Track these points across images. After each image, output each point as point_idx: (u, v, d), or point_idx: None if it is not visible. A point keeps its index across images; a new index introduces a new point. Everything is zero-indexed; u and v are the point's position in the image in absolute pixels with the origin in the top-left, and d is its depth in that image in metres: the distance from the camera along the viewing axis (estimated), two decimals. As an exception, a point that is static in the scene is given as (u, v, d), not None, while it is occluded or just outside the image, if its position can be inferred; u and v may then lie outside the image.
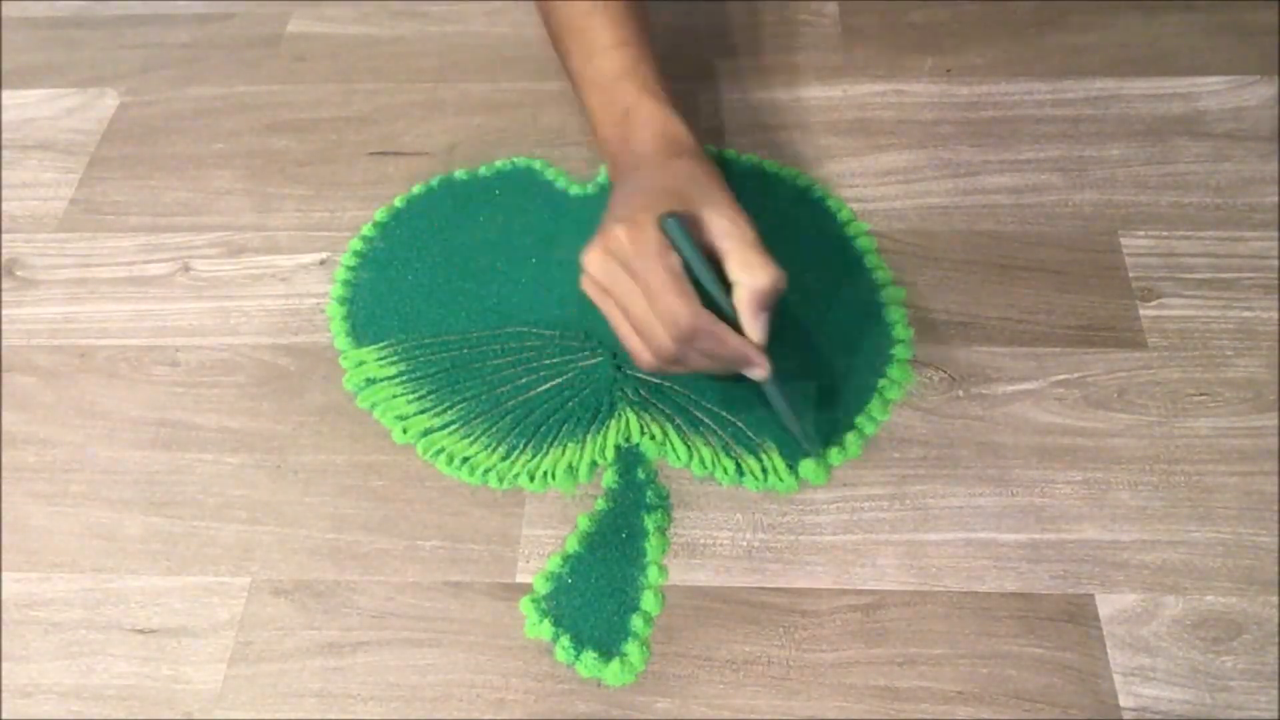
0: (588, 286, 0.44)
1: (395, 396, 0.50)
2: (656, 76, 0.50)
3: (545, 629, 0.42)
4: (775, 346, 0.43)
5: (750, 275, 0.41)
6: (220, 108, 0.65)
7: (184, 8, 0.72)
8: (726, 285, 0.42)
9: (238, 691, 0.42)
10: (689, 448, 0.47)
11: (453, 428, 0.49)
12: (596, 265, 0.42)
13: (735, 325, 0.42)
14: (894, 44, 0.65)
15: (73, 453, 0.49)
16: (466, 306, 0.53)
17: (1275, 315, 0.50)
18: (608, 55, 0.50)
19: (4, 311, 0.55)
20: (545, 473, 0.47)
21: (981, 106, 0.61)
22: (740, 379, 0.44)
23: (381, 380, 0.50)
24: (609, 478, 0.47)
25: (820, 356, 0.50)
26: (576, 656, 0.42)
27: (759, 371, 0.43)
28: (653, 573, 0.44)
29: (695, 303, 0.40)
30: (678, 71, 0.64)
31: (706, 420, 0.48)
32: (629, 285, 0.41)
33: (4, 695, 0.42)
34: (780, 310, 0.51)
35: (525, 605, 0.43)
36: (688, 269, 0.41)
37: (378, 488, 0.47)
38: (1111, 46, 0.64)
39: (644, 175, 0.46)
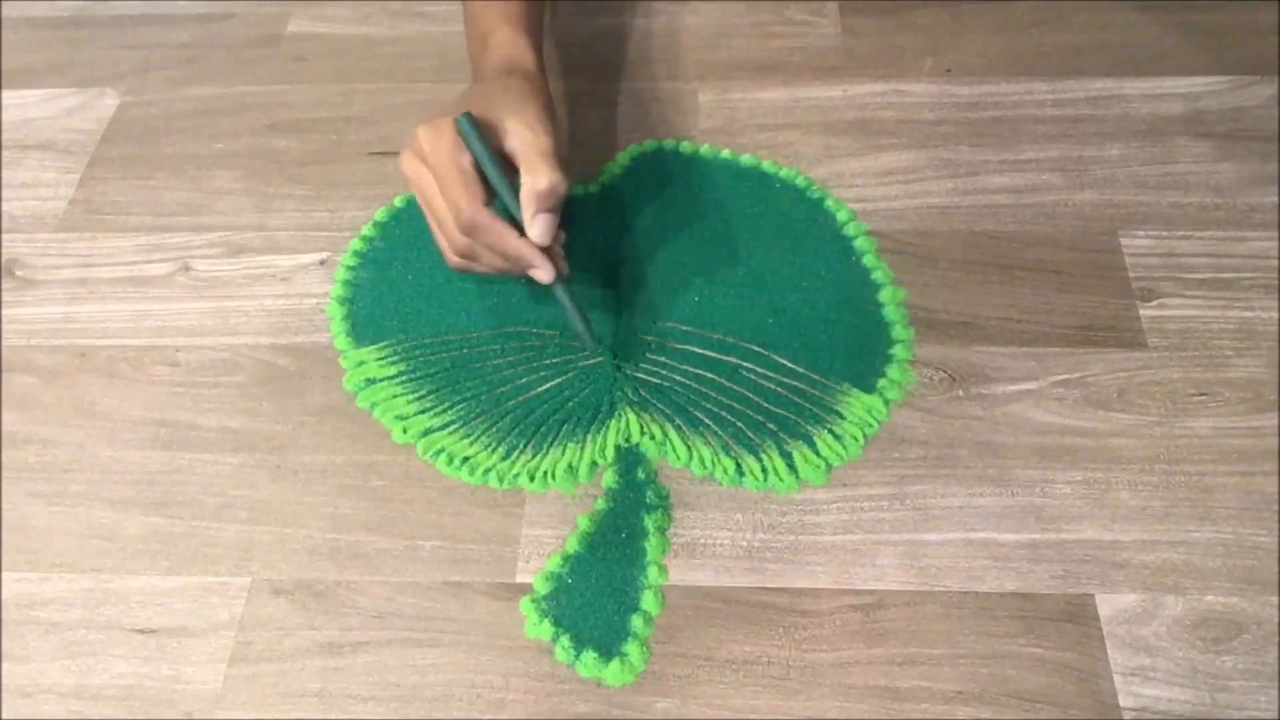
0: (408, 186, 0.48)
1: (395, 396, 0.50)
2: (525, 12, 0.54)
3: (545, 629, 0.42)
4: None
5: (532, 176, 0.44)
6: (220, 108, 0.65)
7: (184, 8, 0.72)
8: (515, 189, 0.45)
9: (238, 691, 0.42)
10: (689, 448, 0.47)
11: (453, 428, 0.49)
12: (406, 164, 0.46)
13: (520, 228, 0.45)
14: (894, 44, 0.65)
15: (73, 453, 0.49)
16: (466, 306, 0.53)
17: (1275, 315, 0.50)
18: None
19: (4, 311, 0.55)
20: (545, 473, 0.47)
21: (981, 106, 0.61)
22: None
23: (381, 380, 0.50)
24: (609, 478, 0.47)
25: (819, 356, 0.50)
26: (576, 656, 0.42)
27: (540, 274, 0.45)
28: (653, 573, 0.44)
29: (476, 197, 0.44)
30: (678, 71, 0.64)
31: (706, 420, 0.48)
32: (428, 179, 0.45)
33: (4, 695, 0.42)
34: (781, 310, 0.51)
35: (525, 605, 0.43)
36: (480, 171, 0.44)
37: (378, 488, 0.47)
38: (1111, 46, 0.64)
39: (474, 89, 0.49)
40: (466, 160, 0.44)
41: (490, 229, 0.44)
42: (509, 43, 0.52)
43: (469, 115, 0.44)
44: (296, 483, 0.47)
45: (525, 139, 0.44)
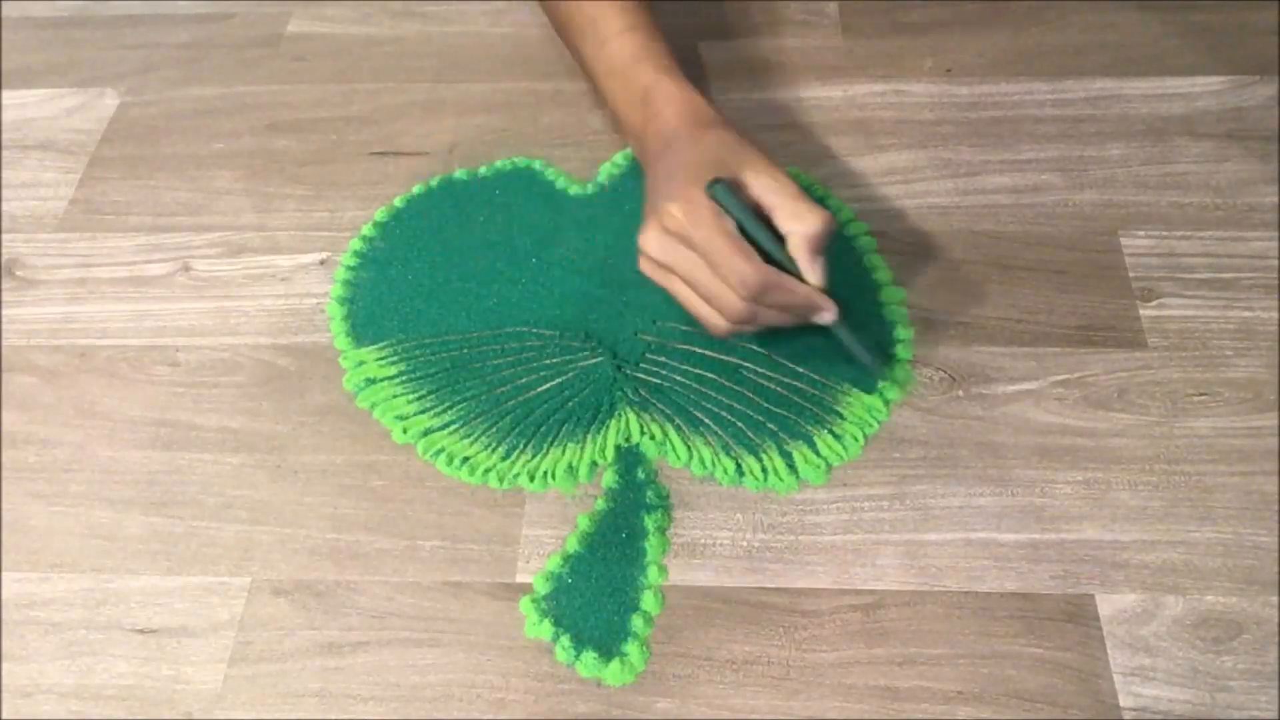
0: (647, 267, 0.45)
1: (395, 396, 0.50)
2: (669, 55, 0.52)
3: (545, 629, 0.42)
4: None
5: (801, 223, 0.43)
6: (220, 108, 0.65)
7: (184, 8, 0.72)
8: (778, 239, 0.44)
9: (238, 691, 0.42)
10: (689, 448, 0.47)
11: (453, 428, 0.49)
12: (654, 244, 0.44)
13: (794, 275, 0.44)
14: (894, 44, 0.65)
15: (73, 453, 0.49)
16: (466, 306, 0.53)
17: (1275, 315, 0.50)
18: (619, 40, 0.52)
19: (4, 311, 0.55)
20: (545, 473, 0.47)
21: (981, 106, 0.61)
22: (805, 328, 0.46)
23: (381, 380, 0.50)
24: (609, 478, 0.47)
25: (819, 356, 0.50)
26: (576, 656, 0.42)
27: (828, 315, 0.45)
28: (653, 573, 0.44)
29: (759, 260, 0.42)
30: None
31: (706, 420, 0.48)
32: (691, 258, 0.43)
33: (4, 695, 0.42)
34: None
35: (525, 605, 0.43)
36: (742, 231, 0.43)
37: (378, 488, 0.47)
38: (1111, 46, 0.64)
39: (678, 152, 0.47)
40: (733, 227, 0.42)
41: (781, 287, 0.43)
42: (679, 95, 0.49)
43: (720, 180, 0.43)
44: (296, 483, 0.47)
45: (771, 188, 0.44)
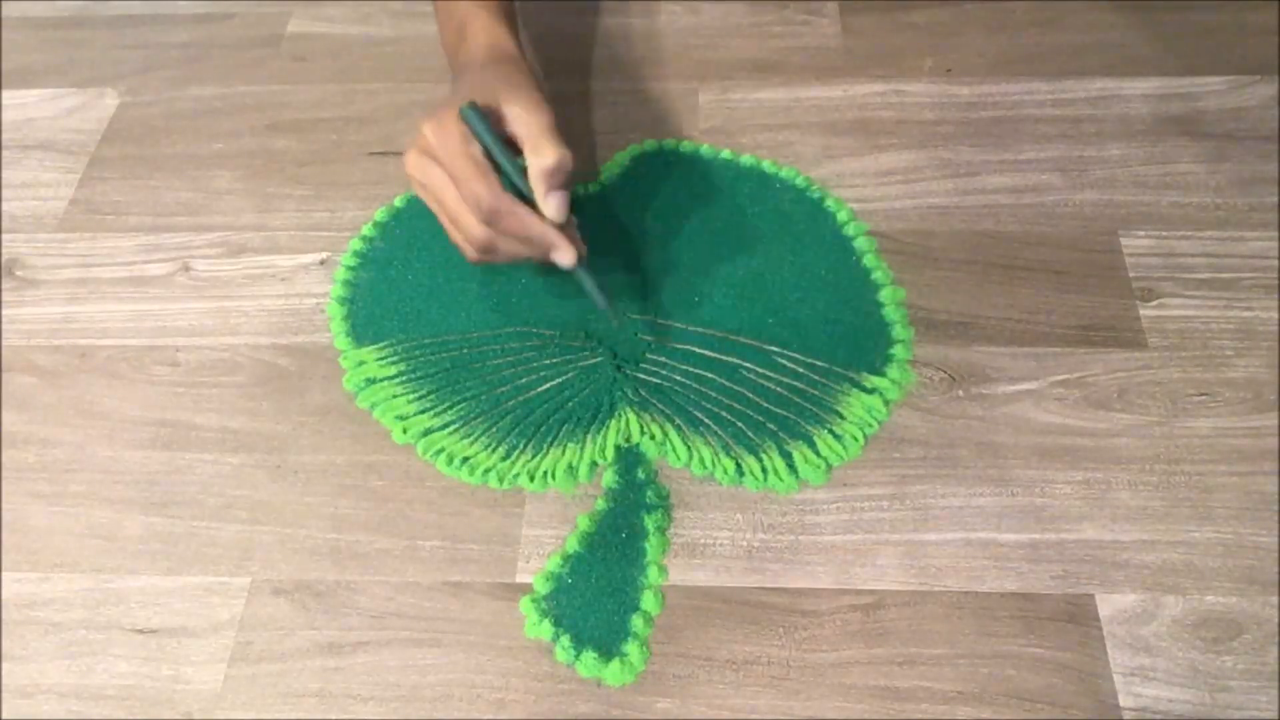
0: (413, 186, 0.47)
1: (395, 396, 0.50)
2: None
3: (545, 629, 0.42)
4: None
5: (539, 156, 0.43)
6: (220, 108, 0.65)
7: (184, 8, 0.72)
8: (524, 171, 0.45)
9: (238, 691, 0.42)
10: (689, 448, 0.47)
11: (453, 428, 0.49)
12: (412, 163, 0.45)
13: (537, 211, 0.44)
14: (894, 44, 0.65)
15: (73, 453, 0.49)
16: (466, 306, 0.53)
17: (1275, 315, 0.50)
18: None
19: (4, 311, 0.55)
20: (545, 473, 0.47)
21: (981, 106, 0.61)
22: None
23: (381, 380, 0.50)
24: (609, 478, 0.47)
25: (819, 356, 0.50)
26: (576, 656, 0.42)
27: (562, 255, 0.45)
28: (653, 573, 0.44)
29: (495, 185, 0.43)
30: (677, 72, 0.64)
31: (706, 420, 0.48)
32: (440, 176, 0.44)
33: (4, 695, 0.42)
34: (781, 310, 0.51)
35: (525, 605, 0.43)
36: (490, 158, 0.44)
37: (378, 488, 0.47)
38: (1111, 46, 0.64)
39: (464, 80, 0.49)
40: (477, 150, 0.44)
41: (513, 214, 0.44)
42: (486, 29, 0.52)
43: (473, 104, 0.44)
44: (296, 483, 0.47)
45: (525, 120, 0.44)
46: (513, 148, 0.45)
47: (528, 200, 0.45)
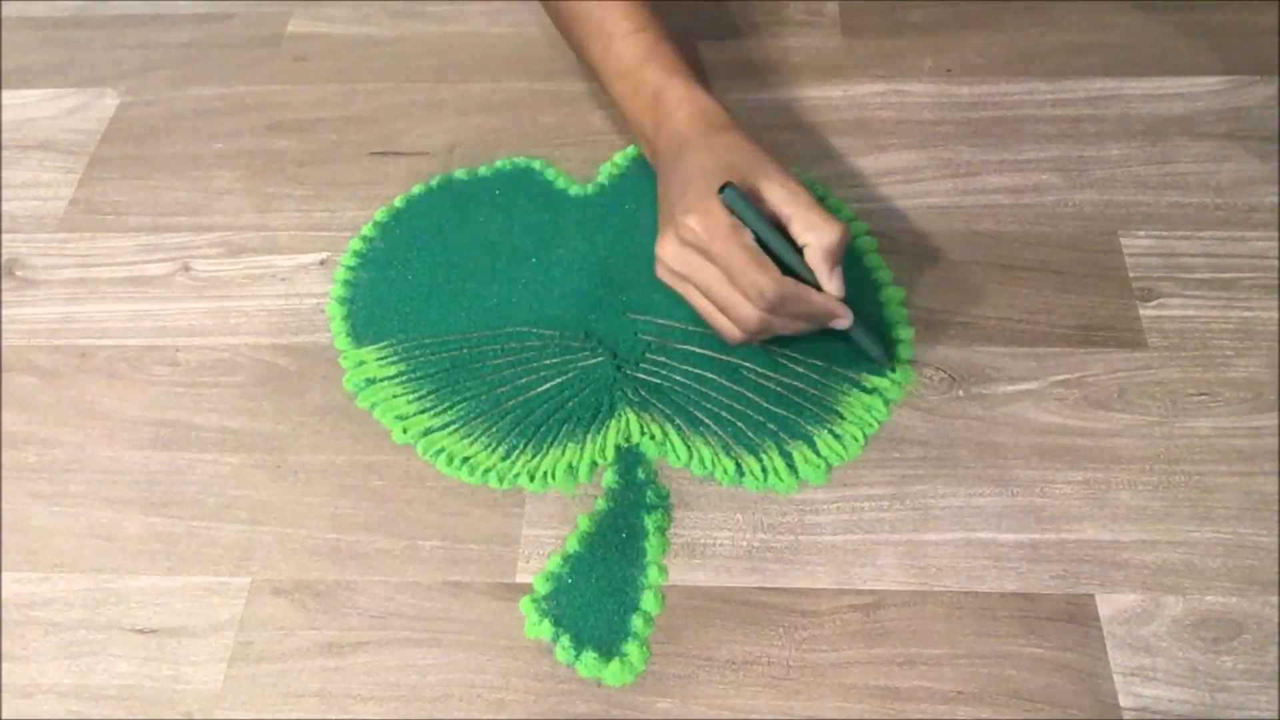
0: (664, 275, 0.46)
1: (395, 396, 0.50)
2: (679, 56, 0.52)
3: (545, 629, 0.42)
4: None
5: (818, 235, 0.44)
6: (220, 108, 0.65)
7: (184, 8, 0.72)
8: (793, 247, 0.45)
9: (238, 691, 0.42)
10: (689, 448, 0.47)
11: (453, 428, 0.49)
12: (672, 254, 0.44)
13: (810, 284, 0.44)
14: (894, 44, 0.65)
15: (73, 453, 0.49)
16: (466, 306, 0.53)
17: (1275, 315, 0.50)
18: (627, 41, 0.52)
19: (4, 311, 0.55)
20: (545, 473, 0.47)
21: (981, 106, 0.61)
22: (820, 332, 0.47)
23: (381, 380, 0.50)
24: (609, 478, 0.47)
25: (819, 356, 0.50)
26: (576, 656, 0.42)
27: (844, 321, 0.46)
28: (653, 573, 0.44)
29: (776, 273, 0.43)
30: (678, 71, 0.64)
31: (706, 420, 0.48)
32: (708, 270, 0.44)
33: (4, 695, 0.42)
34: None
35: (525, 605, 0.43)
36: (758, 240, 0.43)
37: (378, 488, 0.47)
38: (1111, 46, 0.64)
39: (692, 158, 0.47)
40: (749, 238, 0.43)
41: (798, 298, 0.43)
42: (691, 97, 0.49)
43: (734, 187, 0.43)
44: (296, 483, 0.47)
45: (787, 199, 0.44)
46: (773, 224, 0.45)
47: (797, 275, 0.44)
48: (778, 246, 0.44)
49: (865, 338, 0.48)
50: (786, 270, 0.44)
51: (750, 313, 0.43)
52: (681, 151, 0.47)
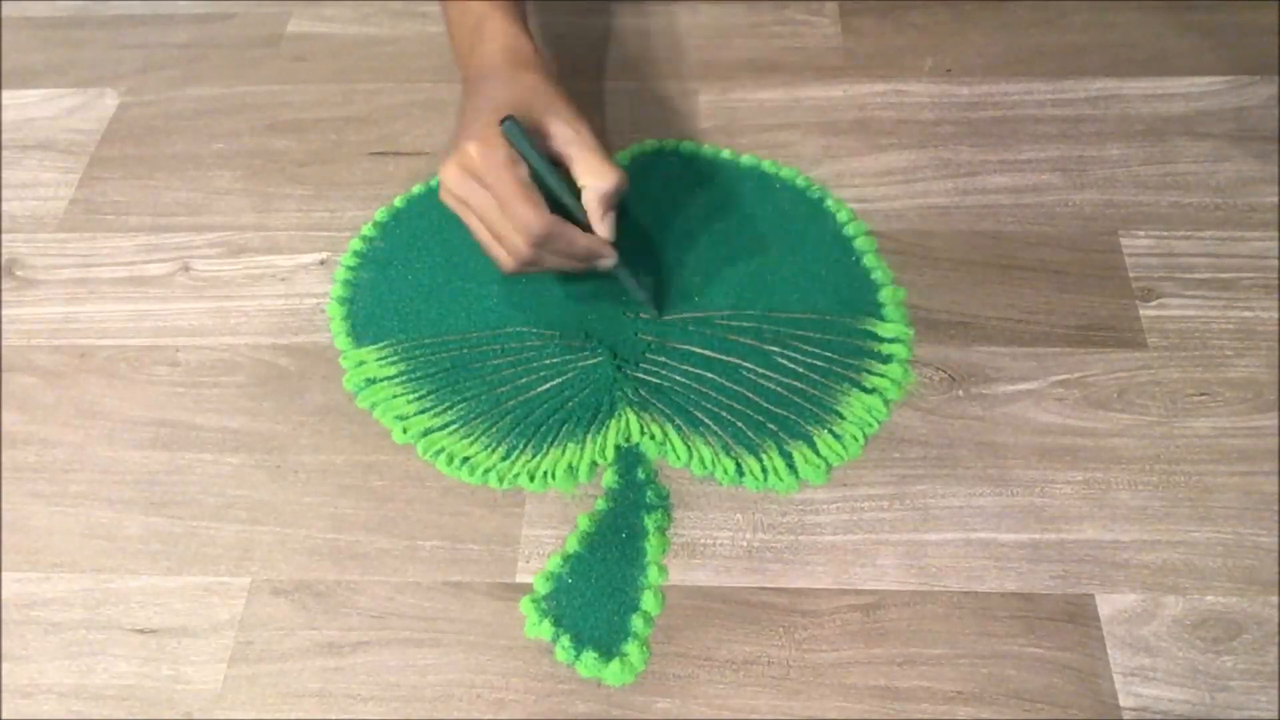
0: (446, 198, 0.47)
1: (395, 396, 0.50)
2: None
3: (545, 629, 0.42)
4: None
5: (596, 178, 0.45)
6: (220, 108, 0.65)
7: (184, 8, 0.72)
8: (572, 188, 0.46)
9: (238, 691, 0.42)
10: (689, 448, 0.47)
11: (453, 428, 0.49)
12: (453, 179, 0.46)
13: (583, 224, 0.46)
14: (894, 44, 0.65)
15: (73, 453, 0.49)
16: (466, 306, 0.53)
17: (1275, 315, 0.50)
18: None
19: (4, 311, 0.55)
20: (545, 473, 0.47)
21: (981, 106, 0.61)
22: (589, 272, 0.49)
23: (381, 380, 0.50)
24: (609, 478, 0.47)
25: (819, 356, 0.50)
26: (576, 656, 0.42)
27: (607, 262, 0.48)
28: (653, 573, 0.44)
29: (544, 210, 0.44)
30: (677, 71, 0.64)
31: (706, 420, 0.48)
32: (484, 197, 0.45)
33: (4, 695, 0.42)
34: (781, 310, 0.51)
35: (525, 605, 0.43)
36: (535, 175, 0.45)
37: (378, 488, 0.47)
38: (1111, 46, 0.64)
39: (490, 88, 0.48)
40: (524, 172, 0.44)
41: (563, 236, 0.45)
42: (504, 32, 0.51)
43: (514, 121, 0.44)
44: (296, 483, 0.47)
45: (572, 139, 0.46)
46: (553, 161, 0.46)
47: (570, 214, 0.46)
48: (553, 184, 0.46)
49: (631, 281, 0.49)
50: (560, 208, 0.45)
51: (519, 245, 0.45)
52: (483, 80, 0.49)
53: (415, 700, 0.41)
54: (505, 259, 0.46)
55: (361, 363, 0.51)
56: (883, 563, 0.44)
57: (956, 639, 0.42)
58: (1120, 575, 0.43)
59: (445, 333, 0.52)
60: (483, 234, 0.46)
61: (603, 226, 0.46)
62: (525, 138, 0.44)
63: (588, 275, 0.50)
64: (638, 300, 0.51)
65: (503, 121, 0.44)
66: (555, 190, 0.46)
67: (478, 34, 0.52)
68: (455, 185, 0.45)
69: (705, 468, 0.47)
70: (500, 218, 0.44)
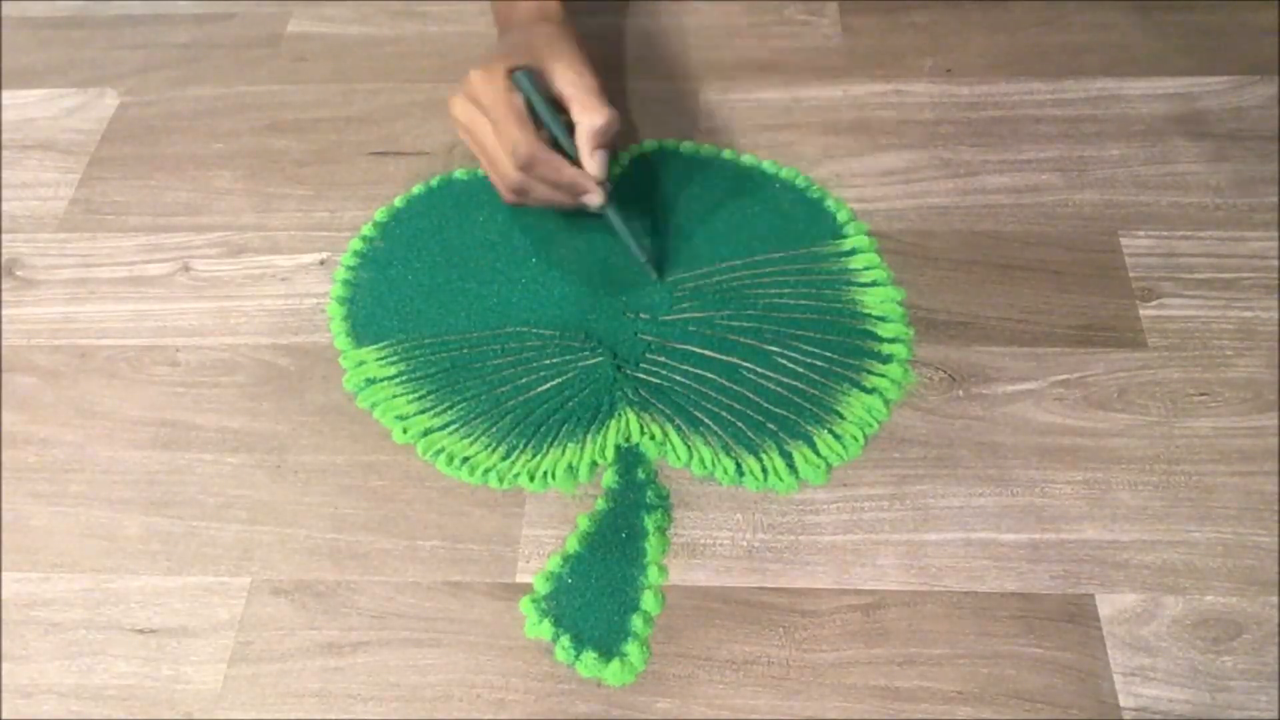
0: (455, 125, 0.51)
1: (395, 396, 0.50)
2: None
3: (545, 629, 0.42)
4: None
5: (588, 116, 0.48)
6: (220, 108, 0.65)
7: (184, 8, 0.72)
8: (570, 131, 0.49)
9: (238, 691, 0.42)
10: (689, 448, 0.47)
11: (453, 428, 0.49)
12: (457, 106, 0.50)
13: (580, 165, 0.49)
14: (894, 44, 0.65)
15: (73, 453, 0.49)
16: (466, 306, 0.53)
17: (1275, 315, 0.50)
18: None
19: (4, 311, 0.55)
20: (545, 473, 0.47)
21: (981, 106, 0.61)
22: (589, 216, 0.51)
23: (381, 380, 0.50)
24: (609, 478, 0.47)
25: (819, 356, 0.50)
26: (576, 656, 0.42)
27: (593, 198, 0.50)
28: (653, 573, 0.44)
29: (531, 133, 0.47)
30: (678, 71, 0.64)
31: (706, 420, 0.48)
32: (482, 120, 0.49)
33: (4, 695, 0.42)
34: (781, 310, 0.51)
35: (525, 605, 0.43)
36: (534, 114, 0.48)
37: (378, 488, 0.47)
38: (1111, 46, 0.64)
39: (510, 37, 0.53)
40: (519, 100, 0.48)
41: (547, 162, 0.48)
42: None
43: (525, 68, 0.48)
44: (296, 483, 0.47)
45: (573, 80, 0.48)
46: (558, 107, 0.49)
47: (567, 155, 0.49)
48: (550, 123, 0.49)
49: (623, 228, 0.51)
50: (562, 152, 0.48)
51: (509, 168, 0.48)
52: (507, 32, 0.55)
53: (415, 700, 0.41)
54: (501, 185, 0.50)
55: (361, 363, 0.51)
56: (883, 563, 0.44)
57: (956, 639, 0.42)
58: (1120, 575, 0.43)
59: (445, 332, 0.52)
60: (483, 160, 0.50)
61: (592, 163, 0.48)
62: (532, 83, 0.48)
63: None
64: (638, 261, 0.52)
65: (514, 70, 0.48)
66: (555, 131, 0.49)
67: None
68: (458, 110, 0.50)
69: (705, 468, 0.47)
70: (494, 142, 0.48)
